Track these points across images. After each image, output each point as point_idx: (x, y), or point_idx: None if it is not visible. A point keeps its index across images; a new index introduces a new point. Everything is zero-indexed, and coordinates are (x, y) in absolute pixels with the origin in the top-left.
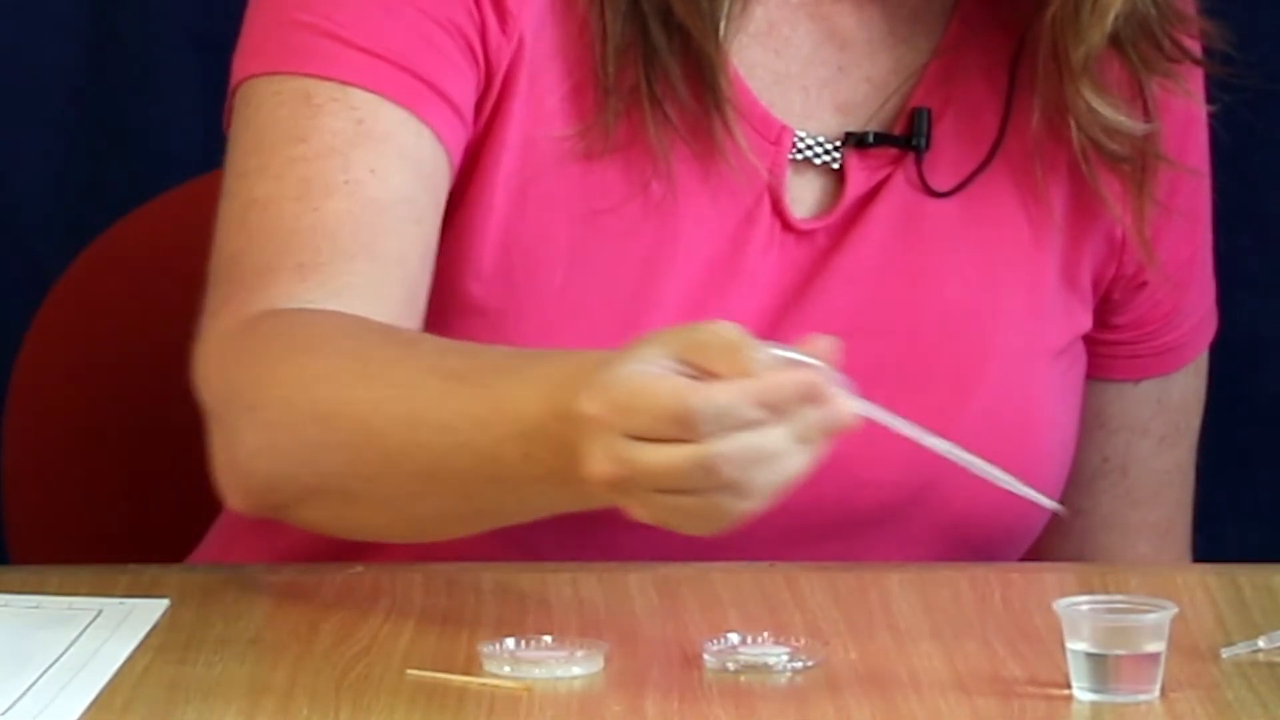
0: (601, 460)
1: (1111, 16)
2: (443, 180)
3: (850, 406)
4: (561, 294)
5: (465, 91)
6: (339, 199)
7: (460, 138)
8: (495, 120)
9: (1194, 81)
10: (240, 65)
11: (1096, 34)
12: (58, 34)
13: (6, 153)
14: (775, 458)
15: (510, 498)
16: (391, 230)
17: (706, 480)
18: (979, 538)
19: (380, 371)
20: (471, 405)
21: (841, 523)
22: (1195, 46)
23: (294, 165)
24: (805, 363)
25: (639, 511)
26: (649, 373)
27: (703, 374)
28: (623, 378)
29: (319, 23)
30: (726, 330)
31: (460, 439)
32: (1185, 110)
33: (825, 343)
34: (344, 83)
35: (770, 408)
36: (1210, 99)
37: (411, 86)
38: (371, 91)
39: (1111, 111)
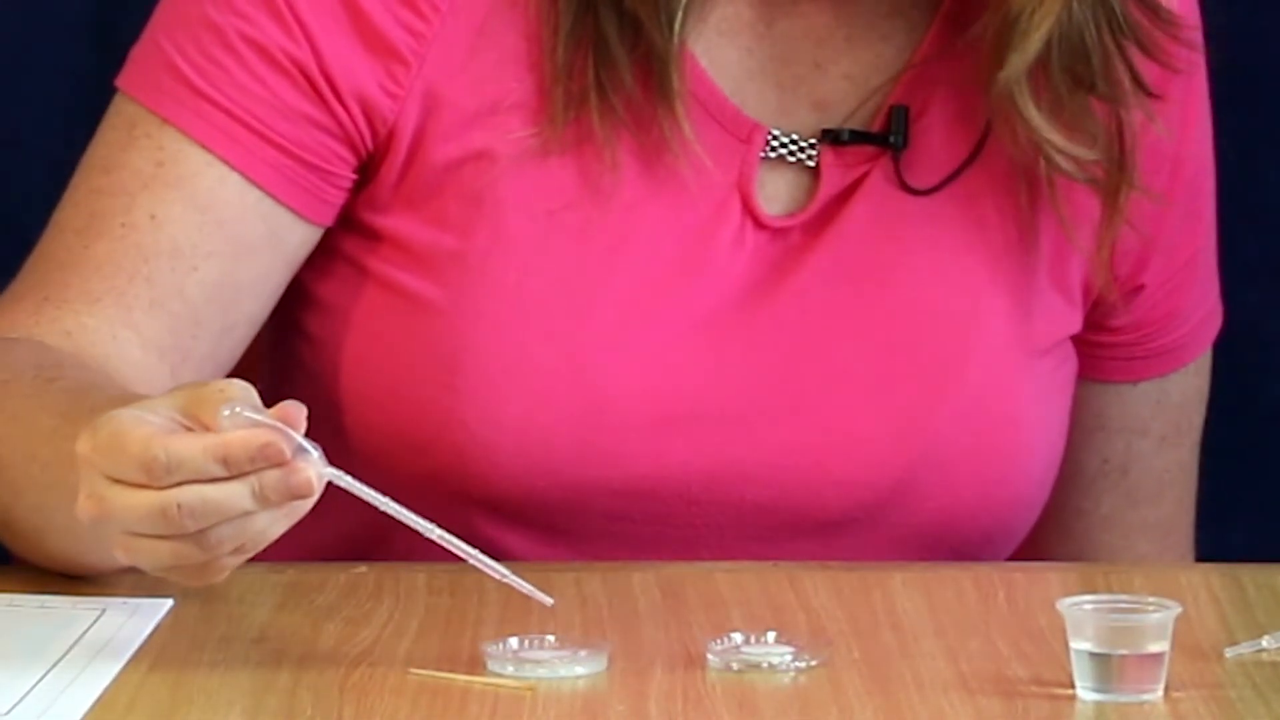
0: (84, 498)
1: (1036, 40)
2: (254, 223)
3: (315, 472)
4: (515, 292)
5: (316, 139)
6: (109, 241)
7: (304, 182)
8: (418, 149)
9: (1189, 91)
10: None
11: (1020, 57)
12: (60, 34)
13: (8, 153)
14: (234, 513)
15: (88, 540)
16: (153, 277)
17: (167, 527)
18: (956, 541)
19: (12, 407)
20: (65, 444)
21: (812, 522)
22: (1182, 55)
23: (91, 197)
24: (272, 425)
25: (118, 553)
26: (134, 419)
27: (198, 426)
28: (111, 421)
29: (170, 54)
30: (227, 388)
31: (55, 477)
32: (1181, 118)
33: (297, 410)
34: (163, 119)
35: (227, 463)
36: (1210, 94)
37: (229, 130)
38: (182, 132)
39: (1055, 135)
